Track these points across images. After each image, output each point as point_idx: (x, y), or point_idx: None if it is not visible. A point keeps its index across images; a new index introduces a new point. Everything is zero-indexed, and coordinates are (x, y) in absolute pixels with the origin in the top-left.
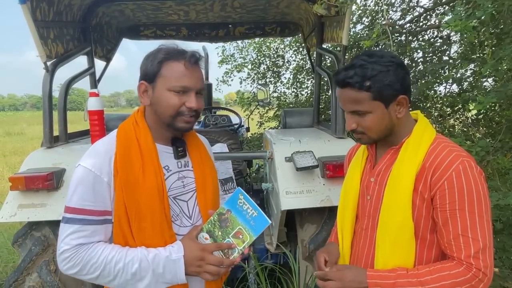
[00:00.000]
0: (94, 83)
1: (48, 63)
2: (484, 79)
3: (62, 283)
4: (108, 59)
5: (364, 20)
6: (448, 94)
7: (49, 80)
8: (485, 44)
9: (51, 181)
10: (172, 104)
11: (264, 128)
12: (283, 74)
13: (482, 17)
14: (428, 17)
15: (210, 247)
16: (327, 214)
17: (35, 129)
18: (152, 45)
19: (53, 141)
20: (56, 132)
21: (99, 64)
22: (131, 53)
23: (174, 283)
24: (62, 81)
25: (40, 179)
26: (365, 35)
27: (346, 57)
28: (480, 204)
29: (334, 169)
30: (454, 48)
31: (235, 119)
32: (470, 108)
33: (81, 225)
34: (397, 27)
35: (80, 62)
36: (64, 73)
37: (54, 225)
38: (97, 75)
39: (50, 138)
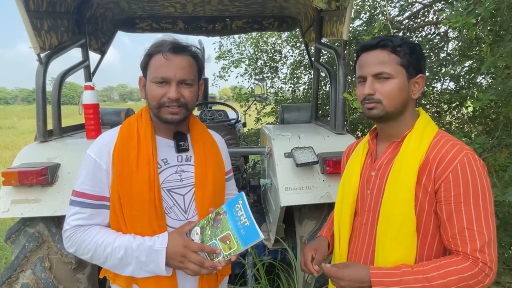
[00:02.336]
0: (89, 76)
1: (42, 55)
2: (482, 76)
3: (57, 280)
4: (103, 52)
5: (362, 16)
6: (445, 91)
7: (43, 73)
8: (482, 41)
9: (45, 176)
10: (154, 95)
11: (261, 124)
12: (281, 69)
13: (482, 14)
14: (426, 13)
15: (193, 246)
16: (327, 210)
17: (26, 123)
18: (147, 38)
19: (47, 135)
20: (49, 126)
21: (92, 56)
22: (125, 47)
23: (157, 273)
24: (54, 75)
25: (34, 174)
26: (364, 30)
27: (346, 52)
28: (485, 197)
29: (334, 165)
30: (451, 45)
31: (231, 114)
32: (467, 105)
33: (80, 207)
34: (395, 22)
35: (73, 55)
36: (57, 66)
37: (49, 221)
38: (92, 68)
39: (44, 132)
